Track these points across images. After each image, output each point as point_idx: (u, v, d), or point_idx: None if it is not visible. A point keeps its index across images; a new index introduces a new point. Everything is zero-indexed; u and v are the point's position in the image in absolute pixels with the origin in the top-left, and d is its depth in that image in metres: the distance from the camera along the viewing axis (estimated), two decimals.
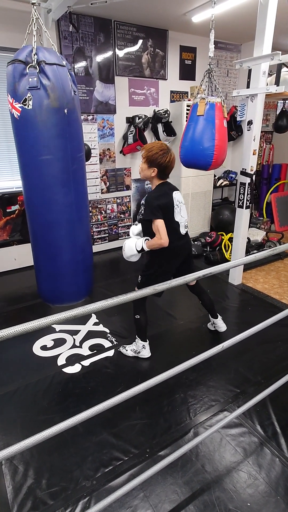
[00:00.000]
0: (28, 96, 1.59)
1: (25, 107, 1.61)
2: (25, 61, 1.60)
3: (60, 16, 2.78)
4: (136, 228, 2.07)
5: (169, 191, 1.96)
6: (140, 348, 2.22)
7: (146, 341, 2.23)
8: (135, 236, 2.03)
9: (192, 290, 2.36)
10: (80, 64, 3.45)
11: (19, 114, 1.65)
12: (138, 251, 1.95)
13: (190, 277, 1.04)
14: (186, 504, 1.39)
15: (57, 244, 1.90)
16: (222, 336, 2.48)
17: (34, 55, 1.58)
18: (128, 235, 4.35)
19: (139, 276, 2.14)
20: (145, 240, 1.94)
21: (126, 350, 2.27)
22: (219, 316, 2.47)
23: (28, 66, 1.58)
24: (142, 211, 1.99)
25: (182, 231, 2.02)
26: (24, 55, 1.61)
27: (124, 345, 2.30)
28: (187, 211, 2.32)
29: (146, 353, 2.22)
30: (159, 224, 1.85)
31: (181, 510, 1.37)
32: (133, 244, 1.96)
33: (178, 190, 2.03)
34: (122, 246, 2.04)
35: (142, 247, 1.93)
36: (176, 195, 1.98)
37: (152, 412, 1.82)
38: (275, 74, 3.33)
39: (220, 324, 2.46)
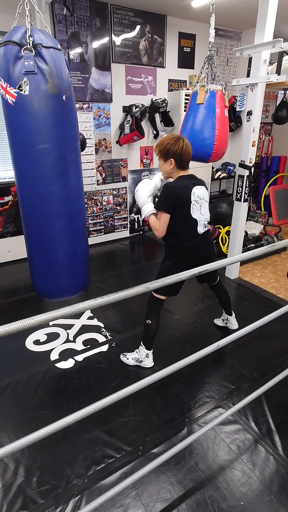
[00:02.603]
0: (24, 81, 1.50)
1: (21, 92, 1.52)
2: (19, 43, 1.50)
3: None
4: (158, 178, 1.95)
5: (190, 185, 1.82)
6: (143, 357, 2.08)
7: (151, 350, 2.08)
8: (152, 188, 1.91)
9: (212, 288, 2.30)
10: (75, 50, 3.33)
11: (14, 100, 1.56)
12: (139, 208, 1.92)
13: (184, 275, 0.99)
14: (178, 503, 1.37)
15: (56, 237, 1.83)
16: (218, 332, 2.45)
17: (29, 36, 1.49)
18: (125, 227, 4.31)
19: (159, 270, 2.02)
20: (152, 212, 1.87)
21: (127, 359, 2.13)
22: (233, 314, 2.43)
23: (23, 49, 1.50)
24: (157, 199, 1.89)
25: (200, 229, 1.87)
26: (18, 36, 1.50)
27: (125, 353, 2.17)
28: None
29: (149, 362, 2.08)
30: (163, 218, 1.79)
31: (174, 509, 1.35)
32: (145, 198, 1.88)
33: (203, 185, 1.89)
34: (137, 205, 2.01)
35: (144, 213, 1.88)
36: (197, 190, 1.84)
37: (145, 409, 1.80)
38: (276, 63, 3.23)
39: (233, 322, 2.42)
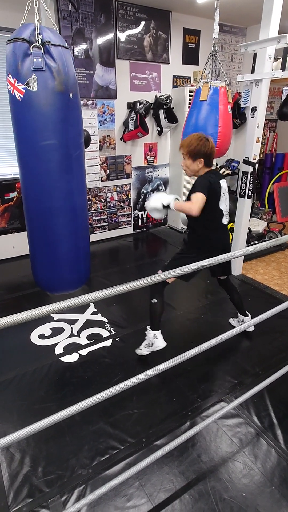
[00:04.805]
0: (33, 78, 1.52)
1: (29, 88, 1.54)
2: (28, 40, 1.52)
3: None
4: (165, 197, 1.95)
5: (217, 179, 1.91)
6: (152, 339, 2.06)
7: (158, 330, 2.07)
8: (164, 193, 1.97)
9: (221, 284, 2.31)
10: (80, 46, 3.33)
11: (22, 96, 1.57)
12: (164, 206, 1.88)
13: (188, 268, 1.01)
14: (181, 493, 1.39)
15: (60, 231, 1.87)
16: (222, 328, 2.47)
17: (38, 34, 1.51)
18: (128, 224, 4.33)
19: (174, 255, 2.03)
20: (175, 199, 1.87)
21: (141, 349, 2.11)
22: (249, 315, 2.38)
23: (32, 46, 1.51)
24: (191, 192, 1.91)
25: (224, 221, 1.97)
26: (28, 33, 1.52)
27: (139, 348, 2.14)
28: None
29: (160, 343, 2.05)
30: (200, 197, 1.78)
31: (176, 499, 1.37)
32: (161, 198, 1.88)
33: (224, 178, 1.99)
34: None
35: (169, 204, 1.87)
36: (223, 183, 1.94)
37: (149, 402, 1.82)
38: (281, 59, 3.22)
39: (250, 323, 2.38)
